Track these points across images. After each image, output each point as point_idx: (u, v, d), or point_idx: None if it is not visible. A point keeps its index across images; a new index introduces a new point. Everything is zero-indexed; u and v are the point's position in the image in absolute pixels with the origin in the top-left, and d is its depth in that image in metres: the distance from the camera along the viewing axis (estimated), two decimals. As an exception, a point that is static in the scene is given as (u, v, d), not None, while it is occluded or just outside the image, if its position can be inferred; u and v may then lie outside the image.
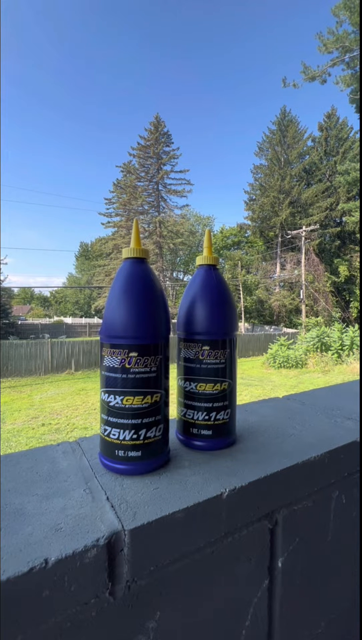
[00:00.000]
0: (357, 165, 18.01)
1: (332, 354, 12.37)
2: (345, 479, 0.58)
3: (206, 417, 0.53)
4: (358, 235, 21.03)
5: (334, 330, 13.32)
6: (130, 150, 24.51)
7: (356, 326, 14.36)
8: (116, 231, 24.96)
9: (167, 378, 0.49)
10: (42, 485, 0.43)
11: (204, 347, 0.52)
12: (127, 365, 0.44)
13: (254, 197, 26.64)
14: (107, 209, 25.70)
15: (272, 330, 20.81)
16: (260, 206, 25.16)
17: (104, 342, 0.46)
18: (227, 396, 0.54)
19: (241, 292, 23.89)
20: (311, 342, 13.02)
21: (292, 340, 14.40)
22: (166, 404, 0.49)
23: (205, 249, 0.57)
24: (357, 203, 18.56)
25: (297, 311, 22.26)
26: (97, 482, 0.44)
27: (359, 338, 12.38)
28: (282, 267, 24.49)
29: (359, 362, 11.16)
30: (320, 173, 24.61)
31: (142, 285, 0.46)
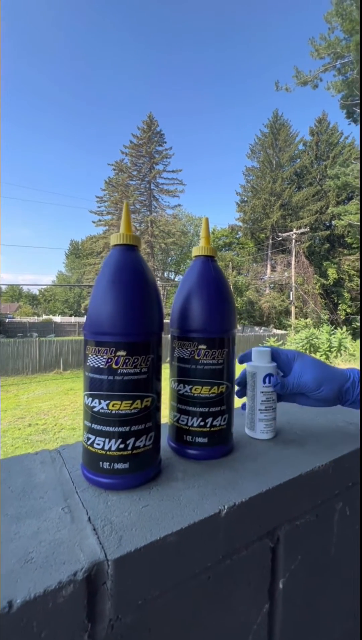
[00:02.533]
0: (347, 170, 18.28)
1: (321, 355, 12.50)
2: (349, 489, 0.54)
3: (202, 423, 0.48)
4: (347, 239, 21.36)
5: (322, 332, 13.47)
6: (123, 148, 24.34)
7: (344, 328, 14.57)
8: (108, 229, 24.72)
9: (159, 380, 0.44)
10: (14, 503, 0.37)
11: (200, 347, 0.47)
12: (114, 366, 0.39)
13: (245, 199, 26.76)
14: (99, 207, 25.44)
15: (262, 331, 20.93)
16: (251, 208, 25.29)
17: (88, 339, 0.41)
18: (225, 400, 0.49)
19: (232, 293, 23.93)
20: (300, 344, 13.13)
21: (282, 341, 14.50)
22: (158, 409, 0.44)
23: (202, 239, 0.52)
24: (347, 207, 18.84)
25: (287, 313, 22.46)
26: (78, 499, 0.38)
27: (347, 340, 12.56)
28: (273, 269, 24.67)
29: (346, 364, 11.30)
30: (311, 177, 24.90)
31: (132, 276, 0.41)
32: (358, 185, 17.64)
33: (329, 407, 0.75)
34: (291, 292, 20.33)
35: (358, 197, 18.81)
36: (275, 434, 0.58)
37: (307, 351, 12.84)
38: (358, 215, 17.57)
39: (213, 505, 0.38)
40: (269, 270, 24.81)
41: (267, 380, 0.56)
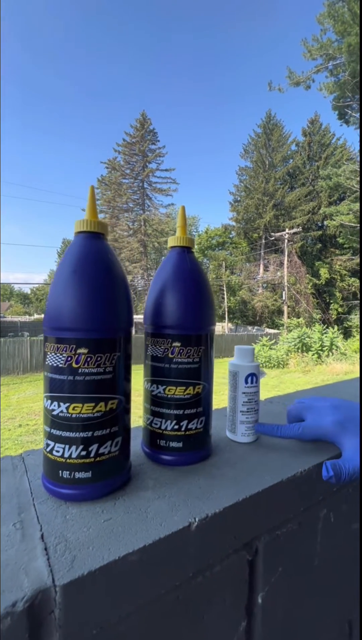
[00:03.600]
0: (339, 171, 18.42)
1: (313, 355, 12.59)
2: (334, 494, 0.51)
3: (176, 427, 0.44)
4: (339, 240, 21.54)
5: (314, 331, 13.57)
6: (116, 146, 24.16)
7: (336, 327, 14.70)
8: (100, 228, 24.53)
9: (128, 380, 0.41)
10: None
11: (174, 344, 0.44)
12: (74, 365, 0.35)
13: (238, 199, 26.82)
14: (91, 205, 25.18)
15: (254, 330, 21.02)
16: (244, 207, 25.36)
17: (47, 335, 0.37)
18: (202, 401, 0.46)
19: (225, 293, 24.01)
20: (292, 343, 13.20)
21: (274, 340, 14.58)
22: (127, 412, 0.41)
23: (178, 228, 0.48)
24: (339, 208, 18.99)
25: (280, 312, 22.58)
26: (33, 513, 0.35)
27: (339, 340, 12.67)
28: (266, 269, 24.78)
29: (338, 363, 11.40)
30: (303, 177, 25.07)
31: (97, 265, 0.37)
32: (349, 186, 17.81)
33: None
34: (284, 292, 20.46)
35: (350, 198, 18.98)
36: (257, 437, 0.55)
37: (300, 350, 12.93)
38: (350, 216, 17.73)
39: (183, 518, 0.34)
40: (262, 270, 24.93)
41: (249, 380, 0.53)
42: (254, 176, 25.64)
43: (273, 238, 22.00)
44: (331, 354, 12.51)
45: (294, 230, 19.95)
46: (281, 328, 18.93)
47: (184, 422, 0.44)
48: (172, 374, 0.44)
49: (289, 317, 19.63)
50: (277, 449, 0.52)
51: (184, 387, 0.44)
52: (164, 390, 0.44)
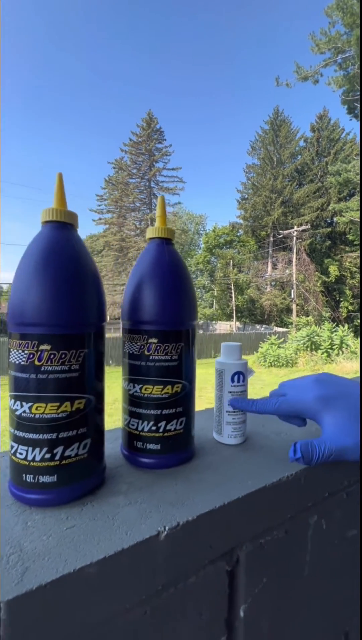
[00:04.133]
0: (348, 166, 18.10)
1: (322, 353, 12.42)
2: (326, 500, 0.48)
3: (153, 428, 0.42)
4: (349, 236, 21.19)
5: (324, 329, 13.37)
6: (123, 146, 24.22)
7: (346, 326, 14.47)
8: (108, 228, 24.63)
9: (100, 379, 0.39)
10: None
11: (150, 340, 0.42)
12: (36, 362, 0.33)
13: (246, 196, 26.62)
14: (99, 205, 25.34)
15: (263, 329, 20.85)
16: (252, 205, 25.15)
17: (11, 331, 0.35)
18: (181, 401, 0.43)
19: (233, 291, 23.87)
20: (301, 341, 13.04)
21: (283, 339, 14.43)
22: (99, 412, 0.39)
23: (157, 218, 0.46)
24: (348, 204, 18.68)
25: (288, 310, 22.34)
26: (-6, 518, 0.33)
27: (349, 338, 12.46)
28: (274, 267, 24.54)
29: (348, 362, 11.22)
30: (312, 173, 24.71)
31: (62, 257, 0.35)
32: (359, 182, 17.48)
33: None
34: (292, 290, 20.24)
35: (359, 194, 18.65)
36: (245, 438, 0.52)
37: (309, 349, 12.76)
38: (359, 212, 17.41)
39: (152, 526, 0.32)
40: (270, 268, 24.70)
41: (236, 378, 0.50)
42: (262, 173, 25.41)
43: (281, 236, 21.77)
44: (340, 352, 12.32)
45: (303, 227, 19.71)
46: (289, 326, 18.72)
47: (162, 423, 0.42)
48: (149, 372, 0.42)
49: (298, 316, 19.41)
50: (266, 451, 0.49)
51: (162, 386, 0.42)
52: (140, 389, 0.42)
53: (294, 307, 20.02)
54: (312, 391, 0.42)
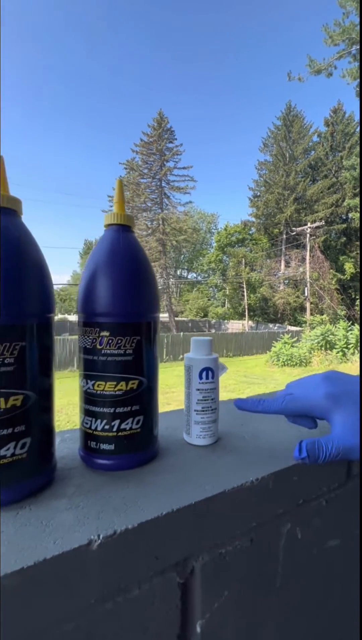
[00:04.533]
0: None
1: (337, 353, 12.13)
2: (301, 507, 0.44)
3: (107, 427, 0.39)
4: (365, 232, 20.61)
5: (339, 328, 13.06)
6: (134, 147, 24.34)
7: (362, 324, 14.06)
8: (119, 229, 24.83)
9: (46, 375, 0.36)
10: None
11: (102, 333, 0.39)
12: (-35, 356, 0.31)
13: (258, 194, 26.28)
14: (110, 206, 25.61)
15: (276, 328, 20.55)
16: (264, 203, 24.82)
17: None
18: (138, 399, 0.40)
19: (245, 290, 23.63)
20: (316, 340, 12.77)
21: (296, 338, 14.16)
22: (44, 410, 0.36)
23: (115, 204, 0.43)
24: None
25: (302, 309, 21.94)
26: None
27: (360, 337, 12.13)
28: (287, 265, 24.15)
29: (364, 360, 10.91)
30: (326, 169, 24.17)
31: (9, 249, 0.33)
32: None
33: None
34: (306, 288, 19.86)
35: (360, 193, 18.12)
36: (216, 439, 0.49)
37: (323, 348, 12.49)
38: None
39: (85, 534, 0.29)
40: (283, 266, 24.33)
41: (204, 375, 0.47)
42: (274, 170, 25.04)
43: (294, 233, 21.39)
44: (356, 351, 12.00)
45: (317, 224, 19.30)
46: (303, 325, 18.37)
47: (116, 422, 0.39)
48: (101, 367, 0.39)
49: (312, 314, 19.02)
50: (237, 453, 0.46)
51: (115, 383, 0.39)
52: (93, 385, 0.40)
53: (308, 305, 19.64)
54: (321, 389, 0.40)
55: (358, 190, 21.27)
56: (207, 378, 0.47)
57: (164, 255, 23.25)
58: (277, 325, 21.86)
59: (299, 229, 19.92)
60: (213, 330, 23.44)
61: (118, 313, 0.39)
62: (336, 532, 0.49)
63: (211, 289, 30.16)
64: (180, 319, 26.35)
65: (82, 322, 0.41)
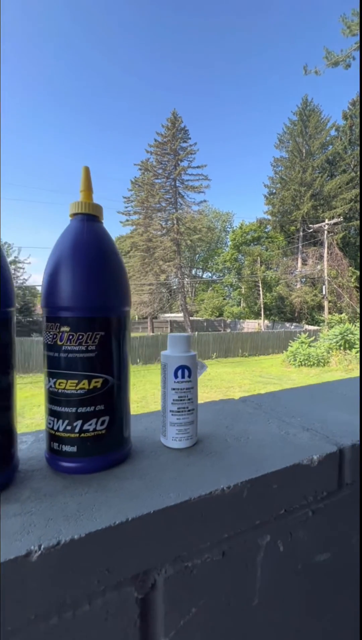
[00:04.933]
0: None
1: (356, 352, 11.76)
2: (282, 518, 0.41)
3: (68, 427, 0.37)
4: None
5: (358, 327, 12.65)
6: (148, 147, 24.45)
7: (383, 323, 13.57)
8: (134, 229, 25.01)
9: (5, 373, 0.34)
10: None
11: (62, 328, 0.37)
12: None
13: (274, 191, 25.82)
14: (126, 207, 25.77)
15: (293, 327, 20.15)
16: (280, 200, 24.36)
17: None
18: (102, 398, 0.38)
19: (261, 289, 23.29)
20: (334, 340, 12.43)
21: (314, 337, 13.83)
22: (3, 410, 0.34)
23: (81, 192, 0.41)
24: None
25: (320, 308, 21.41)
26: None
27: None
28: (304, 263, 23.62)
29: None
30: (344, 163, 23.48)
31: None
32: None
33: (290, 410, 0.61)
34: (324, 286, 19.36)
35: (359, 193, 17.42)
36: (194, 441, 0.46)
37: (342, 347, 12.13)
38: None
39: (26, 544, 0.27)
40: (300, 264, 23.82)
41: (180, 373, 0.44)
42: (290, 166, 24.54)
43: (312, 230, 20.90)
44: (376, 351, 11.58)
45: (335, 220, 18.77)
46: (321, 324, 17.91)
47: (78, 423, 0.37)
48: (62, 364, 0.37)
49: (330, 313, 18.53)
50: (216, 457, 0.43)
51: (76, 381, 0.37)
52: (54, 384, 0.37)
53: (326, 304, 19.14)
54: None
55: (379, 184, 20.55)
56: (183, 377, 0.44)
57: (179, 255, 23.22)
58: (294, 324, 21.43)
59: (317, 225, 19.44)
60: (228, 330, 23.26)
61: (79, 307, 0.37)
62: (325, 546, 0.45)
63: (226, 288, 29.90)
64: (195, 318, 26.27)
65: (45, 316, 0.39)
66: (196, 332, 15.77)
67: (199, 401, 0.50)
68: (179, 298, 23.10)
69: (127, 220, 25.48)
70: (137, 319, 25.81)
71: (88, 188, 0.41)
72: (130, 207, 25.71)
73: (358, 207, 21.85)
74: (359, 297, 20.53)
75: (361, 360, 8.91)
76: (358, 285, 20.89)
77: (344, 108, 24.41)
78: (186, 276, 26.27)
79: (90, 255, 0.38)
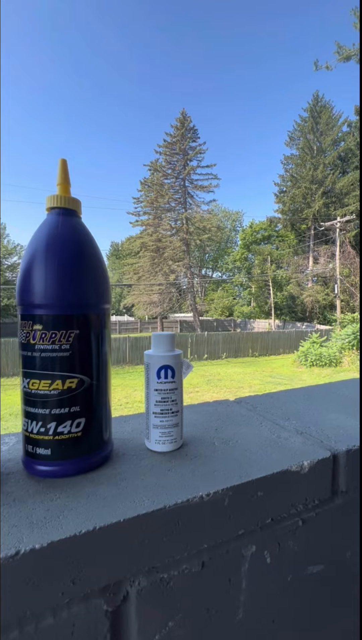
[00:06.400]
0: None
1: (370, 352, 11.49)
2: (269, 527, 0.38)
3: (42, 429, 0.36)
4: None
5: (371, 326, 12.37)
6: (157, 147, 24.50)
7: (397, 322, 13.23)
8: (144, 229, 25.10)
9: None
10: None
11: (35, 327, 0.35)
12: None
13: (284, 189, 25.51)
14: (136, 207, 25.89)
15: (304, 327, 19.84)
16: (291, 198, 24.04)
17: None
18: (78, 399, 0.37)
19: (271, 288, 23.04)
20: (347, 339, 12.18)
21: (326, 337, 13.59)
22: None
23: (58, 186, 0.39)
24: None
25: (332, 307, 21.05)
26: None
27: None
28: (315, 261, 23.25)
29: None
30: (357, 159, 23.01)
31: None
32: None
33: (284, 412, 0.58)
34: (336, 285, 18.99)
35: (360, 192, 16.98)
36: (179, 445, 0.44)
37: (355, 347, 11.88)
38: None
39: (-17, 553, 0.26)
40: (311, 263, 23.47)
41: (163, 374, 0.43)
42: (301, 164, 24.19)
43: (323, 228, 20.54)
44: (391, 351, 11.29)
45: (347, 218, 18.40)
46: (333, 324, 17.58)
47: (52, 425, 0.36)
48: (36, 364, 0.36)
49: (342, 312, 18.18)
50: (199, 462, 0.41)
51: (50, 381, 0.35)
52: (28, 384, 0.36)
53: (338, 303, 18.77)
54: None
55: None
56: (166, 377, 0.43)
57: (188, 255, 23.19)
58: (306, 324, 21.11)
59: (328, 223, 19.09)
60: (238, 330, 23.10)
61: (51, 304, 0.35)
62: (318, 557, 0.43)
63: (236, 287, 29.71)
64: (205, 318, 26.20)
65: (20, 314, 0.38)
66: (206, 332, 15.72)
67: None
68: (189, 298, 23.07)
69: (137, 221, 25.58)
70: (147, 319, 25.90)
71: (65, 181, 0.39)
72: (139, 208, 25.80)
73: (371, 204, 21.37)
74: (372, 296, 20.08)
75: (361, 360, 8.69)
76: (372, 284, 20.43)
77: (357, 103, 23.91)
78: (195, 276, 26.22)
79: (64, 250, 0.36)
